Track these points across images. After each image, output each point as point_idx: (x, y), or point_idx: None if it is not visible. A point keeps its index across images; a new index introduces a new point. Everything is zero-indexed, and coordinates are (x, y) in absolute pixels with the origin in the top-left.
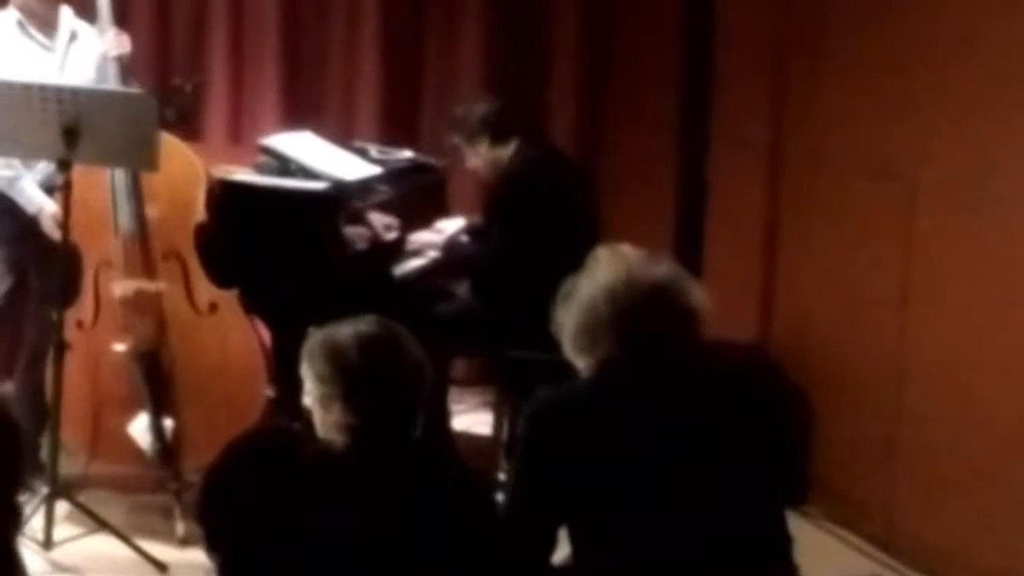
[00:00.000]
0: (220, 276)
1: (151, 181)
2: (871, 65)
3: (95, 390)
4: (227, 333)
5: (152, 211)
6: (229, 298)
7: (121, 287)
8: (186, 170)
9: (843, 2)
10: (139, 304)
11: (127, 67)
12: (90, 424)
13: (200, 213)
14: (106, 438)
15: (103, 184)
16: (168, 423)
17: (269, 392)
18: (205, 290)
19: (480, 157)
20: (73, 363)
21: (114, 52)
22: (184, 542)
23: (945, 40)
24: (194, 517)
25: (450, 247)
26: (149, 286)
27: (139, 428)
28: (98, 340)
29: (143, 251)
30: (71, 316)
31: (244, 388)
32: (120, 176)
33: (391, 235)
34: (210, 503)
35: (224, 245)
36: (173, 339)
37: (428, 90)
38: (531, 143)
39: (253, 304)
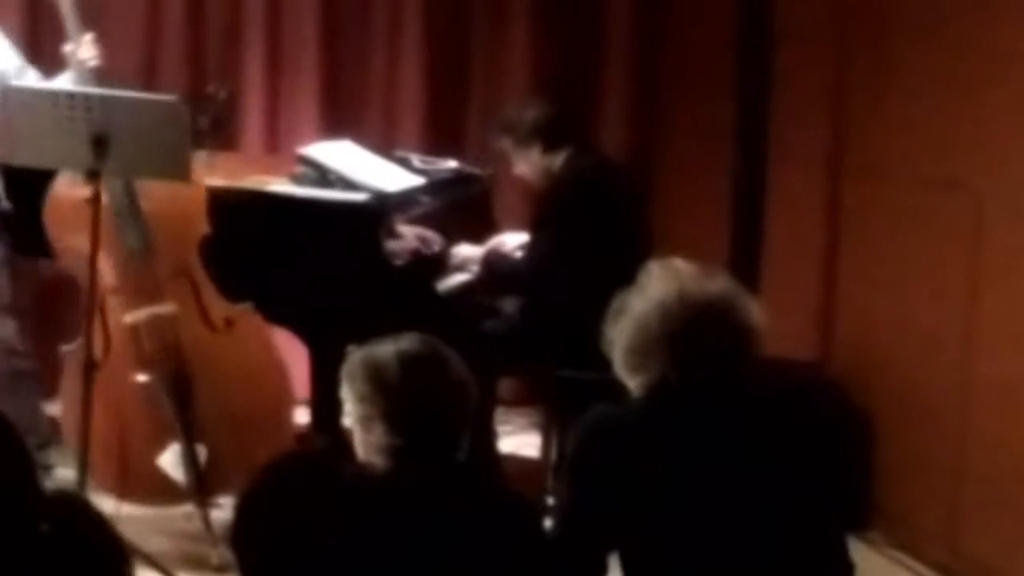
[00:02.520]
0: (232, 290)
1: (147, 199)
2: (935, 71)
3: (118, 426)
4: (247, 349)
5: (154, 229)
6: (244, 312)
7: (133, 315)
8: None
9: (905, 6)
10: (154, 330)
11: (104, 77)
12: (116, 464)
13: (203, 226)
14: (135, 476)
15: (102, 210)
16: (201, 450)
17: (304, 416)
18: (219, 307)
19: (530, 163)
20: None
21: (94, 62)
22: (220, 570)
23: (1012, 45)
24: (228, 544)
25: (490, 261)
26: (162, 309)
27: (170, 460)
28: (114, 372)
29: (151, 273)
30: (79, 350)
31: (272, 404)
32: (120, 197)
33: (436, 247)
34: (244, 529)
35: (235, 257)
36: (194, 361)
37: (473, 97)
38: (582, 152)
39: (290, 322)
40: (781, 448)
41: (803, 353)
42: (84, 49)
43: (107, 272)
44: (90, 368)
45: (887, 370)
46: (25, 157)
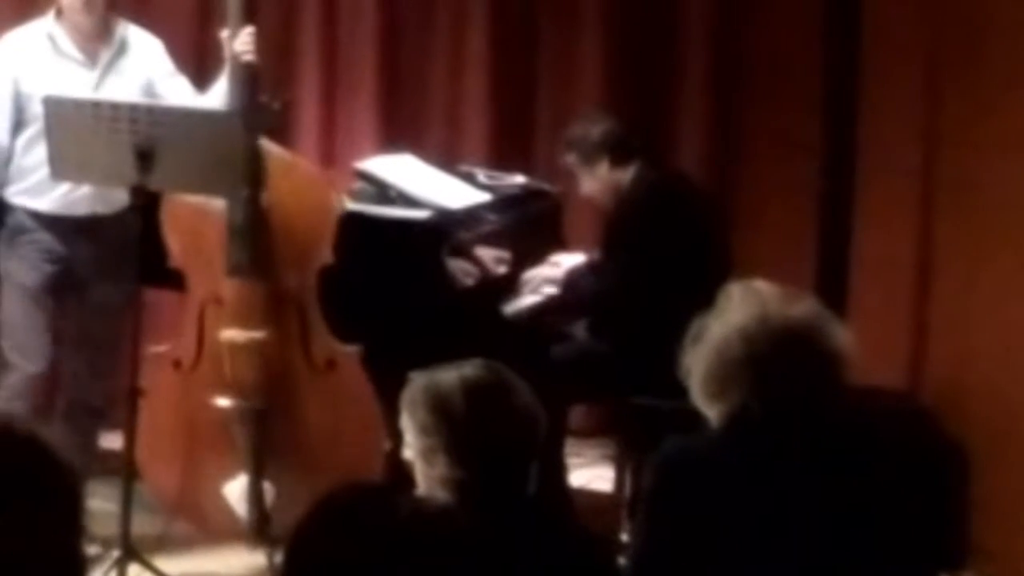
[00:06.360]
0: (344, 329)
1: (273, 213)
2: None
3: (189, 441)
4: (344, 396)
5: (270, 250)
6: (349, 355)
7: (230, 333)
8: (311, 199)
9: (1000, 12)
10: (249, 354)
11: (258, 75)
12: (178, 478)
13: (326, 254)
14: (194, 497)
15: (216, 212)
16: (269, 489)
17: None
18: (323, 345)
19: (598, 180)
20: (164, 408)
21: (249, 56)
22: None
23: None
24: None
25: (569, 282)
26: (261, 335)
27: (236, 491)
28: (198, 386)
29: (254, 295)
30: (167, 353)
31: (358, 460)
32: (236, 209)
33: (501, 269)
34: (296, 568)
35: (352, 293)
36: (284, 397)
37: (542, 108)
38: (652, 167)
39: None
40: (870, 482)
41: (893, 381)
42: (240, 41)
43: (212, 281)
44: (135, 395)
45: (982, 399)
46: (67, 173)
